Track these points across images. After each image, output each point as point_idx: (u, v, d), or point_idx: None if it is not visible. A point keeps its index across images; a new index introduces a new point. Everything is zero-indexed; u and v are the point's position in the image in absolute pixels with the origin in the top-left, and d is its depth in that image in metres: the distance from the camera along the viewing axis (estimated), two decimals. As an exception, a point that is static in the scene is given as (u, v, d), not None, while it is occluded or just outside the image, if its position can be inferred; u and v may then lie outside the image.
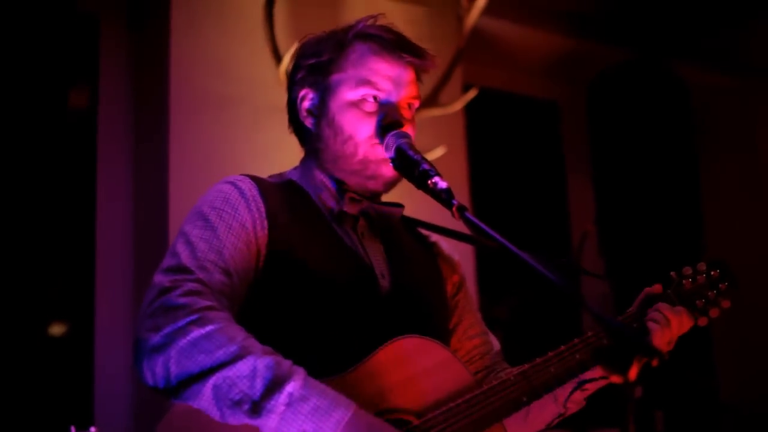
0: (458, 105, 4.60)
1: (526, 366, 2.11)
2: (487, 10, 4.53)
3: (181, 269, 1.96)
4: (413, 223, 2.44)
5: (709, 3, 5.72)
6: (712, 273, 2.29)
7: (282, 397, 1.77)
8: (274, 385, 1.78)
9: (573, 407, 2.27)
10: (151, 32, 4.40)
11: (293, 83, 2.31)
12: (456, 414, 2.00)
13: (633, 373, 2.05)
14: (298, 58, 2.31)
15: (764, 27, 5.99)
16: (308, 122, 2.26)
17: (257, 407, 1.78)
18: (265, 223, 2.08)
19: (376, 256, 2.24)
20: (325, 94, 2.23)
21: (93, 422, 4.03)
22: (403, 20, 4.78)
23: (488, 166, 5.71)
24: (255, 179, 2.18)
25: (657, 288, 2.25)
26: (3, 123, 4.20)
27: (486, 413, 2.03)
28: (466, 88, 4.72)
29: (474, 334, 2.45)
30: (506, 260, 1.84)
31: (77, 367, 4.19)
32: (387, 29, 2.27)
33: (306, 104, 2.27)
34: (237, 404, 1.78)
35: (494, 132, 5.96)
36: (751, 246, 6.23)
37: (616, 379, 2.13)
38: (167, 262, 2.00)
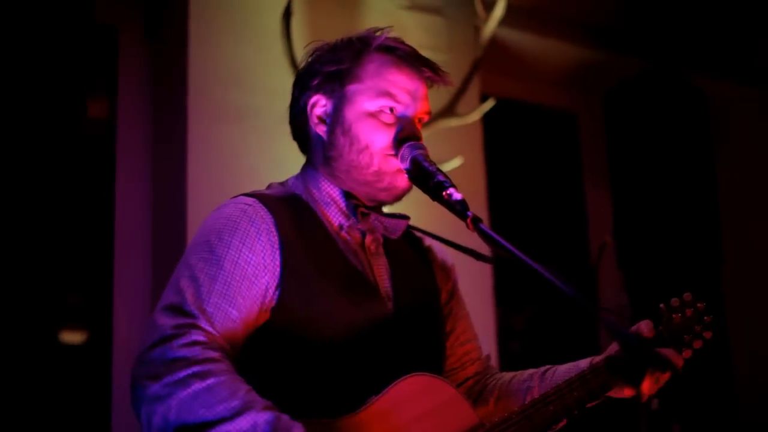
0: (476, 115, 4.60)
1: (527, 404, 2.12)
2: (505, 21, 4.54)
3: (183, 312, 1.94)
4: (418, 232, 2.43)
5: (726, 13, 5.70)
6: (698, 306, 2.28)
7: None
8: None
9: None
10: (170, 43, 4.42)
11: (306, 88, 2.28)
12: None
13: (646, 385, 2.05)
14: (314, 63, 2.28)
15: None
16: (320, 129, 2.24)
17: None
18: (278, 254, 2.06)
19: (381, 275, 2.24)
20: (340, 102, 2.21)
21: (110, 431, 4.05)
22: (420, 30, 4.85)
23: (506, 177, 5.70)
24: (263, 200, 2.14)
25: (649, 329, 2.23)
26: (22, 133, 4.22)
27: None
28: (483, 99, 4.72)
29: (465, 339, 2.46)
30: (521, 272, 1.84)
31: (95, 377, 4.20)
32: (404, 42, 2.27)
33: (318, 111, 2.24)
34: None
35: (512, 142, 5.95)
36: (769, 257, 6.21)
37: (629, 391, 2.13)
38: (170, 298, 1.97)
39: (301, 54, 2.41)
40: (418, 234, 2.47)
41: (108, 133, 4.41)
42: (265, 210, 2.11)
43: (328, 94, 2.24)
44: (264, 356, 2.02)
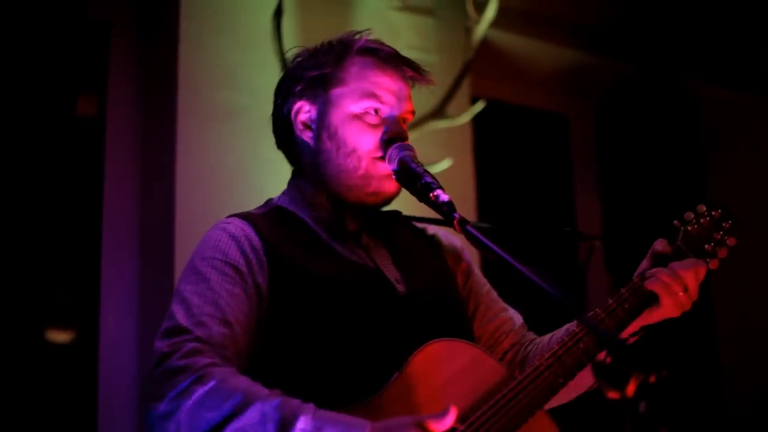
0: (466, 117, 4.60)
1: (555, 346, 2.08)
2: (496, 22, 4.54)
3: (178, 330, 1.94)
4: (410, 220, 2.42)
5: (719, 17, 5.71)
6: (714, 213, 2.28)
7: None
8: (285, 425, 1.77)
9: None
10: (161, 41, 4.41)
11: (289, 95, 2.27)
12: (498, 411, 1.97)
13: (631, 389, 2.04)
14: (296, 69, 2.28)
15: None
16: (305, 135, 2.24)
17: None
18: (264, 260, 2.06)
19: (385, 264, 2.23)
20: (325, 107, 2.21)
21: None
22: (411, 31, 4.85)
23: (496, 179, 5.70)
24: (244, 217, 2.16)
25: (664, 246, 2.24)
26: (11, 129, 4.21)
27: (527, 403, 2.00)
28: (473, 101, 4.72)
29: (493, 315, 2.44)
30: (508, 274, 1.83)
31: (81, 376, 4.19)
32: (384, 43, 2.27)
33: (302, 117, 2.24)
34: None
35: (502, 145, 5.95)
36: (759, 261, 6.21)
37: (613, 395, 2.12)
38: (165, 325, 1.98)
39: (291, 54, 2.40)
40: (420, 226, 2.47)
41: (97, 131, 4.39)
42: (245, 223, 2.13)
43: (311, 99, 2.24)
44: (280, 355, 2.02)
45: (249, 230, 2.10)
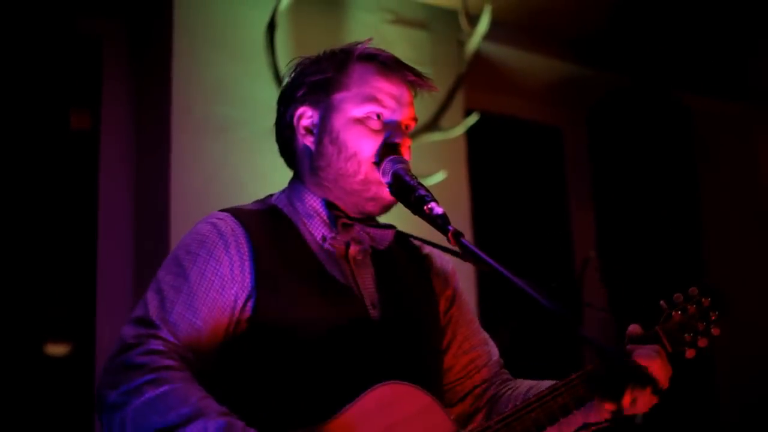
0: (459, 130, 4.61)
1: (507, 411, 2.05)
2: (489, 35, 4.55)
3: (146, 322, 1.94)
4: (406, 237, 2.41)
5: (711, 29, 5.73)
6: (703, 301, 2.23)
7: None
8: None
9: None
10: (154, 55, 4.42)
11: (291, 100, 2.27)
12: None
13: (626, 400, 2.02)
14: (299, 75, 2.28)
15: (765, 53, 6.00)
16: (307, 140, 2.23)
17: None
18: (247, 264, 2.05)
19: (366, 284, 2.21)
20: (327, 111, 2.20)
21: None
22: (404, 44, 4.85)
23: (490, 192, 5.70)
24: (236, 213, 2.14)
25: (636, 329, 2.18)
26: (4, 143, 4.21)
27: None
28: (467, 113, 4.73)
29: (469, 347, 2.40)
30: (503, 286, 1.83)
31: (78, 388, 4.18)
32: (384, 50, 2.28)
33: (305, 122, 2.23)
34: None
35: (496, 157, 5.95)
36: (752, 273, 6.22)
37: (609, 406, 2.10)
38: (136, 311, 1.98)
39: (284, 67, 2.40)
40: (416, 243, 2.45)
41: (91, 145, 4.40)
42: (236, 223, 2.11)
43: (314, 104, 2.24)
44: (242, 367, 2.00)
45: (239, 231, 2.08)
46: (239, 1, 4.45)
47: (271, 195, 2.32)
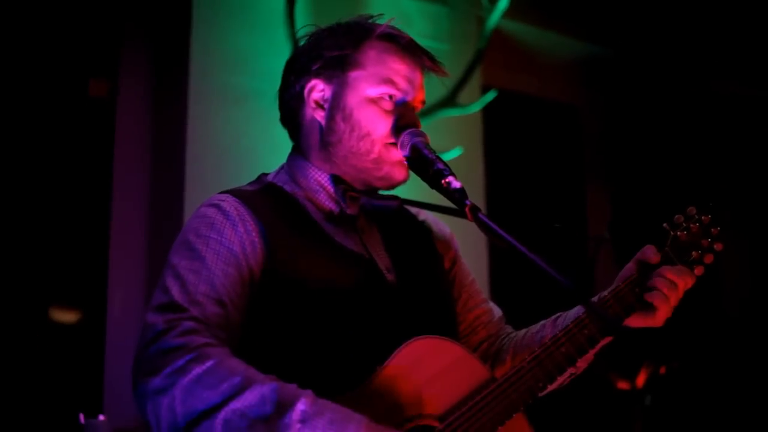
0: (477, 106, 4.60)
1: (537, 350, 2.09)
2: (509, 12, 4.53)
3: (173, 307, 1.93)
4: (407, 204, 2.42)
5: (735, 12, 5.70)
6: (704, 218, 2.27)
7: (295, 414, 1.76)
8: (285, 406, 1.76)
9: (583, 365, 2.27)
10: (173, 24, 4.41)
11: (304, 72, 2.25)
12: (477, 412, 1.99)
13: (641, 380, 2.04)
14: (314, 47, 2.26)
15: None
16: (318, 114, 2.22)
17: (272, 428, 1.76)
18: (257, 240, 2.05)
19: (377, 250, 2.24)
20: (341, 88, 2.20)
21: (102, 410, 4.05)
22: (423, 19, 4.83)
23: (505, 169, 5.70)
24: (237, 194, 2.14)
25: (654, 253, 2.22)
26: (23, 112, 4.22)
27: (506, 406, 2.02)
28: (485, 90, 4.72)
29: (474, 305, 2.46)
30: (517, 261, 1.84)
31: (88, 355, 4.21)
32: (402, 31, 2.27)
33: (316, 95, 2.22)
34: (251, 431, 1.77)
35: (512, 134, 5.94)
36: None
37: (623, 385, 2.12)
38: (159, 299, 1.97)
39: (304, 32, 2.39)
40: (412, 211, 2.47)
41: (108, 114, 4.40)
42: (239, 202, 2.11)
43: (327, 79, 2.23)
44: (270, 340, 2.01)
45: (243, 210, 2.09)
46: (259, -28, 4.44)
47: (266, 174, 2.32)
